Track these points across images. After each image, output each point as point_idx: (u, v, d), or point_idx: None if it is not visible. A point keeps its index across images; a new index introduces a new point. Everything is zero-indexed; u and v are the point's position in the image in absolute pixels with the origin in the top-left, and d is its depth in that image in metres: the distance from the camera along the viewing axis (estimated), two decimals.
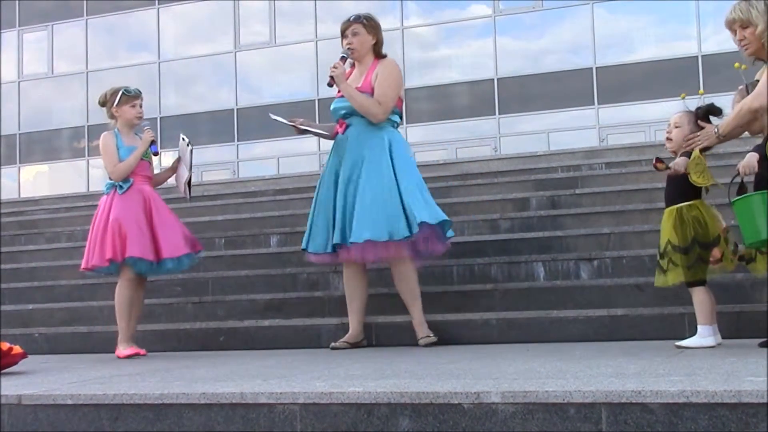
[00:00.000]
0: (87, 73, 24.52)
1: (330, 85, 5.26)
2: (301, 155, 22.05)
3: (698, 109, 4.34)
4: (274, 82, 23.64)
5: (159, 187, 5.77)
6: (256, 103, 22.95)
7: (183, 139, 5.67)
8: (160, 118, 23.29)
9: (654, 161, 4.32)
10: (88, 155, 24.61)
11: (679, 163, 4.19)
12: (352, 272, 5.36)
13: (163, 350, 5.75)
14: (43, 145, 25.21)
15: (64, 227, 9.34)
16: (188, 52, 24.05)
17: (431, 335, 5.14)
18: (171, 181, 5.87)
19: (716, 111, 4.33)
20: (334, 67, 5.22)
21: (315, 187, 5.53)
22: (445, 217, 5.19)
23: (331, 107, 5.45)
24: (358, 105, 5.23)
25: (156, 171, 5.73)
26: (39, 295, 7.18)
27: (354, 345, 5.26)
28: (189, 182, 5.59)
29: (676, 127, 4.36)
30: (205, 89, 24.24)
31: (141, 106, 5.54)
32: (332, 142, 5.46)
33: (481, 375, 3.29)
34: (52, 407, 3.22)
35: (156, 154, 5.54)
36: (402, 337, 5.33)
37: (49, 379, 3.89)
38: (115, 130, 5.52)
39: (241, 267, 6.61)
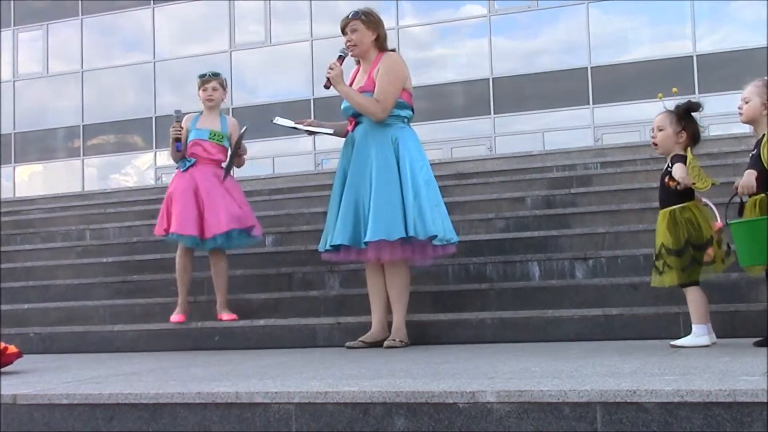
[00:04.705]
0: (82, 72, 24.45)
1: (327, 86, 5.15)
2: (297, 155, 22.03)
3: (678, 107, 4.33)
4: (270, 81, 23.63)
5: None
6: (251, 102, 22.91)
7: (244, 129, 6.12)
8: (155, 117, 23.27)
9: (666, 180, 4.27)
10: (83, 155, 24.59)
11: (684, 178, 4.15)
12: (371, 271, 5.26)
13: (159, 350, 5.75)
14: (38, 145, 25.16)
15: (60, 227, 9.34)
16: (183, 52, 24.01)
17: (397, 340, 5.03)
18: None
19: (695, 107, 4.32)
20: (331, 68, 5.11)
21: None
22: (430, 234, 5.01)
23: (342, 106, 5.35)
24: (357, 105, 5.15)
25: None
26: (34, 294, 7.17)
27: (371, 345, 5.08)
28: (228, 166, 6.09)
29: (660, 130, 4.35)
30: None
31: (214, 89, 6.06)
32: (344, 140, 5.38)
33: (476, 374, 3.29)
34: (48, 407, 3.22)
35: (179, 151, 6.01)
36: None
37: (45, 379, 3.88)
38: (198, 112, 6.15)
39: (236, 266, 6.59)
